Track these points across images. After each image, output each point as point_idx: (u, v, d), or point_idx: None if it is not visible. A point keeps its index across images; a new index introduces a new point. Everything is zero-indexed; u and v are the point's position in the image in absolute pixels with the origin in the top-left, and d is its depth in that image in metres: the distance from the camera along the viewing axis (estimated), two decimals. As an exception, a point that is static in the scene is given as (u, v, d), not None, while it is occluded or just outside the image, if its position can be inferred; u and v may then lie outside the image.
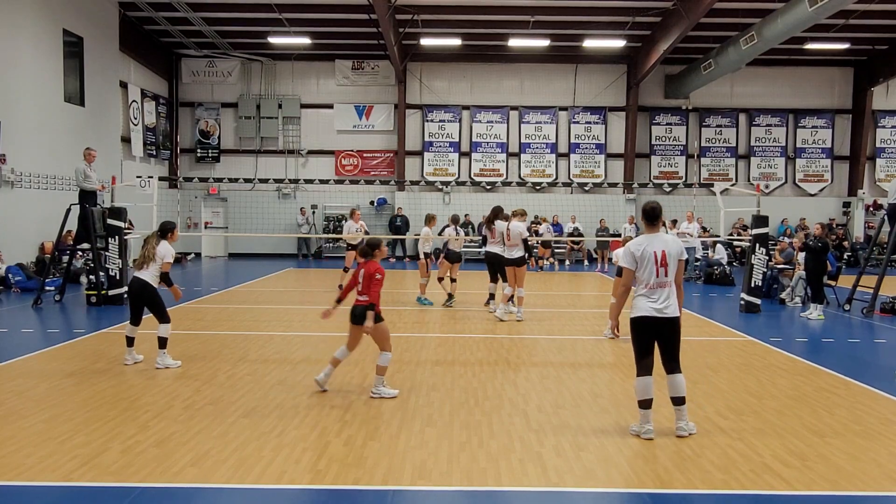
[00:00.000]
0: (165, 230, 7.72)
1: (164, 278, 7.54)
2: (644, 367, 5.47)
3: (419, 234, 13.40)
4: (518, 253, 11.01)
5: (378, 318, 6.39)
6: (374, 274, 6.37)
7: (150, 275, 7.50)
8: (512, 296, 11.14)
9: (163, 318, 7.54)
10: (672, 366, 5.51)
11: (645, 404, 5.44)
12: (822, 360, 8.37)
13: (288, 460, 4.87)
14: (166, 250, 7.55)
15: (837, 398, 6.72)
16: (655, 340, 5.49)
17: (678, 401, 5.51)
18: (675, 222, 20.21)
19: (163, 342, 7.53)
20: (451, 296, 12.62)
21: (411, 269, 20.46)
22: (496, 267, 11.60)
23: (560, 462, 4.92)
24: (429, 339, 9.55)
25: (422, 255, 12.98)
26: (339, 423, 5.70)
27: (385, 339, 6.51)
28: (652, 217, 5.57)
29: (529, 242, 12.71)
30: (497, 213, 11.55)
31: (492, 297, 12.19)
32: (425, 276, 13.00)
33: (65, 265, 13.90)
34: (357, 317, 6.43)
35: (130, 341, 7.68)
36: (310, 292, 14.98)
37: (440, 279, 12.82)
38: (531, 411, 6.14)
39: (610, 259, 19.75)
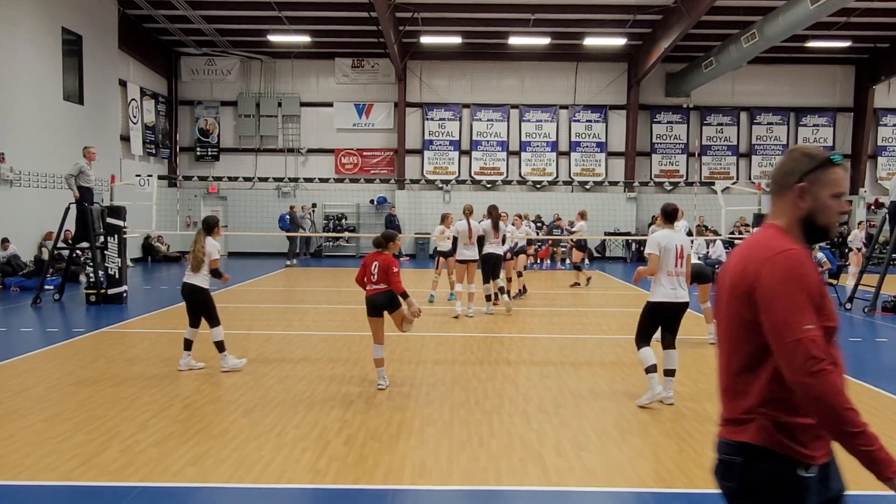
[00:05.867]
0: (211, 226, 7.55)
1: (215, 273, 7.45)
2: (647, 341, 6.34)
3: (423, 234, 13.33)
4: (473, 251, 11.23)
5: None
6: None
7: (201, 278, 7.38)
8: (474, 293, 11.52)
9: (214, 321, 7.43)
10: (672, 341, 6.38)
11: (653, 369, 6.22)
12: (823, 359, 8.34)
13: (288, 460, 4.85)
14: (213, 247, 7.44)
15: (839, 397, 6.69)
16: (664, 321, 6.34)
17: (672, 373, 6.38)
18: None
19: (220, 346, 7.42)
20: (504, 292, 12.62)
21: (405, 267, 20.44)
22: (496, 266, 11.60)
23: (561, 461, 4.90)
24: (429, 338, 9.52)
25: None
26: (339, 423, 5.67)
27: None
28: (670, 215, 6.50)
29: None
30: (493, 212, 11.59)
31: (488, 297, 12.02)
32: (441, 274, 13.12)
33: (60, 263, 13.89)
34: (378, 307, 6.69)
35: (188, 344, 7.50)
36: (310, 291, 14.96)
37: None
38: (532, 411, 6.12)
39: None
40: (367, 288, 6.71)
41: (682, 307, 6.25)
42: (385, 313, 6.74)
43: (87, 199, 12.54)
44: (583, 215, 16.20)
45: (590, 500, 4.40)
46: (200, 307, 7.44)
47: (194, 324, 7.50)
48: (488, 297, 11.55)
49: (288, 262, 20.78)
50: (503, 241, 11.76)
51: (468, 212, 11.35)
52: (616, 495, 4.43)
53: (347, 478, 4.56)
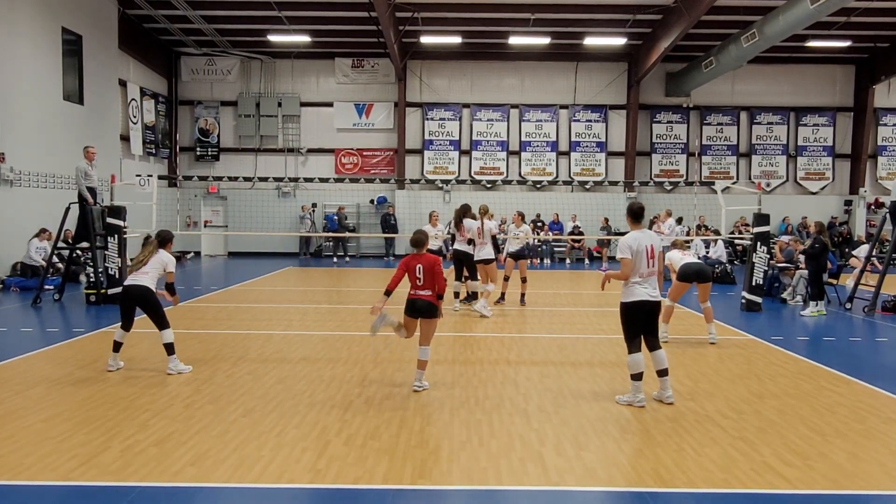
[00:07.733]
0: (165, 240, 7.55)
1: (170, 288, 7.44)
2: (636, 346, 6.30)
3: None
4: (488, 250, 11.24)
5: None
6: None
7: (150, 280, 7.30)
8: (475, 293, 11.46)
9: (164, 324, 7.32)
10: (655, 342, 6.38)
11: (639, 377, 6.26)
12: (823, 359, 8.35)
13: (288, 459, 4.85)
14: (168, 259, 7.42)
15: (839, 397, 6.70)
16: (643, 321, 6.30)
17: (664, 372, 6.37)
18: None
19: (170, 348, 7.32)
20: (503, 295, 12.63)
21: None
22: (464, 265, 11.66)
23: (561, 461, 4.90)
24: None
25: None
26: (339, 423, 5.68)
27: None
28: (638, 215, 6.40)
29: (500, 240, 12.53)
30: (465, 211, 11.64)
31: (456, 295, 12.05)
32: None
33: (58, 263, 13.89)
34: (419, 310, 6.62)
35: (118, 346, 7.41)
36: (310, 291, 14.96)
37: (505, 278, 12.81)
38: (532, 410, 6.12)
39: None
40: (412, 291, 6.62)
41: (655, 305, 6.26)
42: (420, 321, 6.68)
43: (88, 200, 12.56)
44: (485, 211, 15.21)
45: (590, 500, 4.40)
46: (152, 310, 7.30)
47: (127, 327, 7.39)
48: (456, 295, 11.64)
49: (335, 261, 22.39)
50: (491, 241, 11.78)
51: (483, 211, 11.35)
52: (616, 495, 4.43)
53: (347, 478, 4.56)
